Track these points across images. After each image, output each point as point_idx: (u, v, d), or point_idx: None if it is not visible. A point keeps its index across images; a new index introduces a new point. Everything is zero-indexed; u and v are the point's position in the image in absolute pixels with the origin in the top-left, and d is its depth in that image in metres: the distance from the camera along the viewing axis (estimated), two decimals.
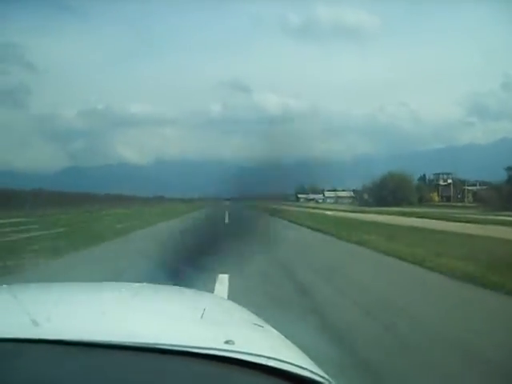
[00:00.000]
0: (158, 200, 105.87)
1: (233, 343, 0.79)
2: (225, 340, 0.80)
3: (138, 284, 1.46)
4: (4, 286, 1.17)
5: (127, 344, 0.76)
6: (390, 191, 66.40)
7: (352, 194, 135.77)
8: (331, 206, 60.26)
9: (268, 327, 1.14)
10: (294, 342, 1.05)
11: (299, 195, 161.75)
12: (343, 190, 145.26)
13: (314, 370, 0.82)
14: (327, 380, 0.82)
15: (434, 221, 24.49)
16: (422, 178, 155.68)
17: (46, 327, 0.80)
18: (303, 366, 0.81)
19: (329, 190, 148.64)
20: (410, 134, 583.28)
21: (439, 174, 75.43)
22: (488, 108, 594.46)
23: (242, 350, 0.78)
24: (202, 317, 1.00)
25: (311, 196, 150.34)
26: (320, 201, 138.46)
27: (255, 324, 1.12)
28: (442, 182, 72.59)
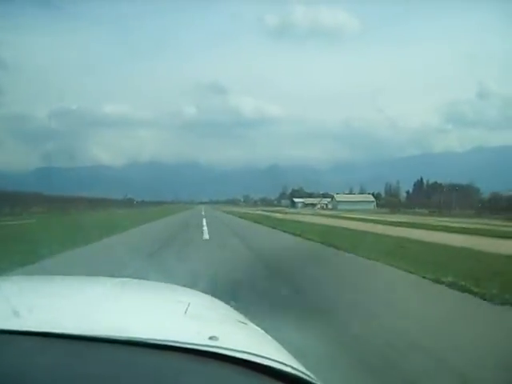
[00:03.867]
0: (126, 203, 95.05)
1: (217, 339, 0.79)
2: (209, 336, 0.80)
3: (122, 279, 1.45)
4: None
5: (110, 337, 0.75)
6: None
7: (371, 197, 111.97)
8: (381, 218, 37.89)
9: (251, 325, 1.13)
10: (278, 340, 1.05)
11: (296, 199, 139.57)
12: (360, 193, 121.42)
13: (295, 367, 0.82)
14: (308, 376, 0.83)
15: None
16: (419, 183, 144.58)
17: (28, 319, 0.79)
18: (286, 362, 0.81)
19: (335, 194, 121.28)
20: (388, 141, 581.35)
21: None
22: (463, 116, 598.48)
23: (226, 346, 0.77)
24: (185, 312, 0.99)
25: (316, 200, 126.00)
26: (324, 206, 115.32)
27: (239, 321, 1.12)
28: None
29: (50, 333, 0.74)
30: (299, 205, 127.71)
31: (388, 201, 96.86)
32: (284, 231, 18.63)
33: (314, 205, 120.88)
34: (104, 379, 0.68)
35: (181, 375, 0.71)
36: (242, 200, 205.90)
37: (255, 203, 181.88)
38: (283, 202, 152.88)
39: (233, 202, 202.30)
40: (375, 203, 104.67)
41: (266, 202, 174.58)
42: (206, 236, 16.29)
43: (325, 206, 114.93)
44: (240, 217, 37.40)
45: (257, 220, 29.83)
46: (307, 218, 36.69)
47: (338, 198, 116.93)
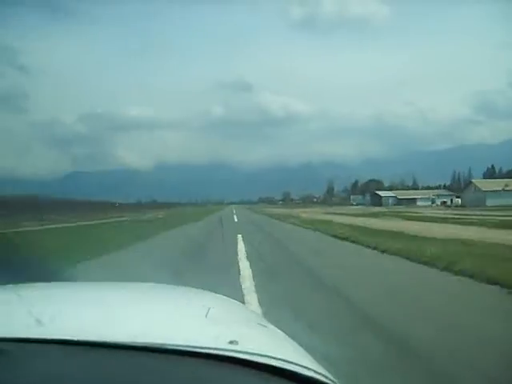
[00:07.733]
0: (151, 206, 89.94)
1: (237, 343, 0.80)
2: (229, 340, 0.80)
3: (143, 284, 1.48)
4: (9, 285, 1.18)
5: (131, 344, 0.76)
6: None
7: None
8: None
9: (272, 327, 1.14)
10: (299, 342, 1.05)
11: (382, 194, 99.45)
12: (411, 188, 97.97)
13: (317, 370, 0.82)
14: (331, 380, 0.82)
15: None
16: (490, 171, 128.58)
17: (50, 327, 0.80)
18: (307, 366, 0.81)
19: (474, 180, 77.87)
20: (419, 134, 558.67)
21: None
22: (496, 107, 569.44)
23: (246, 350, 0.78)
24: (206, 316, 1.00)
25: (421, 194, 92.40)
26: (420, 204, 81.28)
27: (259, 324, 1.13)
28: None
29: (72, 340, 0.74)
30: (389, 201, 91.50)
31: None
32: None
33: (411, 200, 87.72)
34: None
35: (201, 381, 0.71)
36: (281, 199, 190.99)
37: (292, 201, 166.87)
38: (353, 197, 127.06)
39: (267, 202, 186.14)
40: None
41: (308, 200, 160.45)
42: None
43: (446, 202, 78.87)
44: None
45: None
46: None
47: (482, 185, 67.47)
